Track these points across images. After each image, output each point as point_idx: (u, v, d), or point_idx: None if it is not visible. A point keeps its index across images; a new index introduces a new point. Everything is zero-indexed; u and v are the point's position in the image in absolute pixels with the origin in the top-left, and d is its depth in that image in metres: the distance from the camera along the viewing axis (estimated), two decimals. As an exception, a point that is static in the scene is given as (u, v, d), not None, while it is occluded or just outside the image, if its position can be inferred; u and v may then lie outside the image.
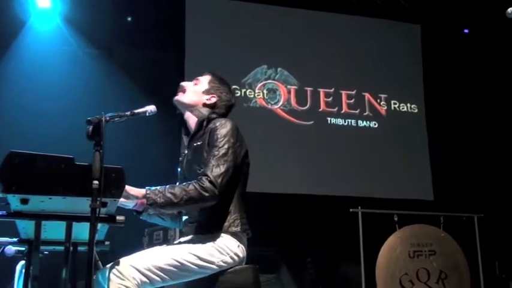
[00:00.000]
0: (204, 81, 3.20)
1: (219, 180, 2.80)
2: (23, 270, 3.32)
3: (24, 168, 2.17)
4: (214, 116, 3.09)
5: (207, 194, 2.76)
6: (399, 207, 6.65)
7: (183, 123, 3.23)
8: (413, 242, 6.29)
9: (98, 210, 2.19)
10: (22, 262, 3.37)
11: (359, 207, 6.40)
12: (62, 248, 2.68)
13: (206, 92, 3.16)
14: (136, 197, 2.74)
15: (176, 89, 3.24)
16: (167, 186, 2.81)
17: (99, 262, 5.36)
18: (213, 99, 3.16)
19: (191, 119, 3.15)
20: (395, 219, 6.32)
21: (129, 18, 7.22)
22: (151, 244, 5.78)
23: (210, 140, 2.95)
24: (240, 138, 3.02)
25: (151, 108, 2.99)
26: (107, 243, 2.83)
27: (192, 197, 2.76)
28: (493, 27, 7.70)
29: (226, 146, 2.90)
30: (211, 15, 7.55)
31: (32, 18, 6.70)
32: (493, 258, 6.80)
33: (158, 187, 2.79)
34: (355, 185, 7.50)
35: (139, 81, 6.63)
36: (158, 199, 2.73)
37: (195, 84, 3.20)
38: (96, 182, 2.20)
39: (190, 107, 3.16)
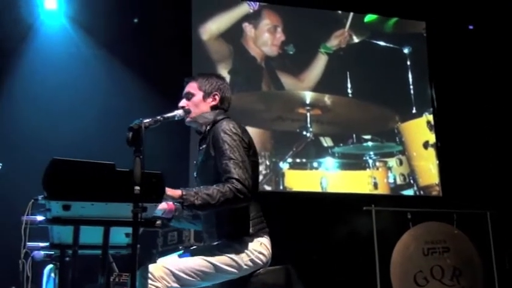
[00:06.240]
0: (195, 89, 3.14)
1: (247, 183, 2.81)
2: (51, 274, 3.33)
3: (67, 176, 2.19)
4: (219, 118, 3.06)
5: (242, 196, 2.78)
6: (412, 204, 6.66)
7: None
8: (427, 239, 6.31)
9: (140, 215, 2.21)
10: (50, 266, 3.38)
11: (372, 205, 6.42)
12: (89, 251, 2.71)
13: (207, 96, 3.13)
14: (173, 198, 2.71)
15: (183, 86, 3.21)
16: (201, 187, 2.80)
17: (113, 264, 5.37)
18: (217, 97, 3.14)
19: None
20: (409, 216, 6.34)
21: (136, 20, 7.17)
22: (165, 245, 5.78)
23: (214, 142, 2.94)
24: (247, 135, 3.03)
25: (179, 112, 3.02)
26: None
27: (228, 198, 2.76)
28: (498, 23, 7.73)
29: (236, 146, 2.89)
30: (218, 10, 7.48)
31: (38, 21, 6.64)
32: (505, 254, 6.81)
33: (192, 188, 2.79)
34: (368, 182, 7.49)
35: (149, 81, 6.61)
36: (196, 201, 2.72)
37: (193, 96, 3.13)
38: (137, 187, 2.22)
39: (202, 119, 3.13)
